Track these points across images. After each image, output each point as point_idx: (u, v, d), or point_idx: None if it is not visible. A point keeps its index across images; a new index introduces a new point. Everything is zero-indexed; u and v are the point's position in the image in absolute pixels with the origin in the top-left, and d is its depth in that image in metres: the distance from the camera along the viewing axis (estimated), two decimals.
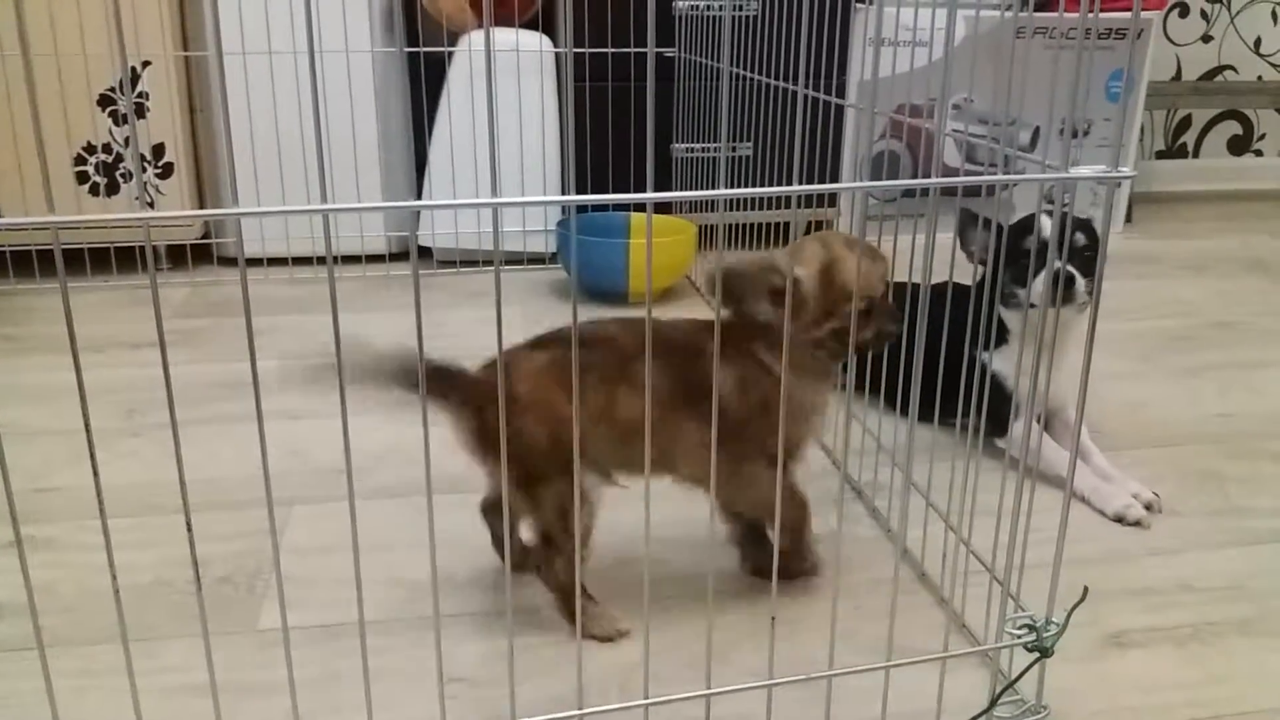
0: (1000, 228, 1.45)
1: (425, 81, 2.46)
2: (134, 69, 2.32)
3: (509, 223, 2.45)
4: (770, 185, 2.29)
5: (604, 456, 1.06)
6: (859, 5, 2.55)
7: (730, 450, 1.00)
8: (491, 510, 1.19)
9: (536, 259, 2.51)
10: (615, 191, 2.58)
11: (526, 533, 1.13)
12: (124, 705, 0.76)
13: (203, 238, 2.52)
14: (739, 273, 1.04)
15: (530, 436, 1.01)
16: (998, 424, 1.41)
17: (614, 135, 2.55)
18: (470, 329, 2.09)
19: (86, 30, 2.25)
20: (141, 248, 2.41)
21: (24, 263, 2.33)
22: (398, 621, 1.12)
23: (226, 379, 1.81)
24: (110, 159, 2.38)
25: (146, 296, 2.36)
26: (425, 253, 2.52)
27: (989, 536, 1.03)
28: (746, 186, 2.42)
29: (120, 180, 2.39)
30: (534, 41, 2.42)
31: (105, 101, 2.34)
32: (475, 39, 2.40)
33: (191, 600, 1.15)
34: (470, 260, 2.49)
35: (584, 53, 2.50)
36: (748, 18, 2.27)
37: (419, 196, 2.53)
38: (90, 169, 2.37)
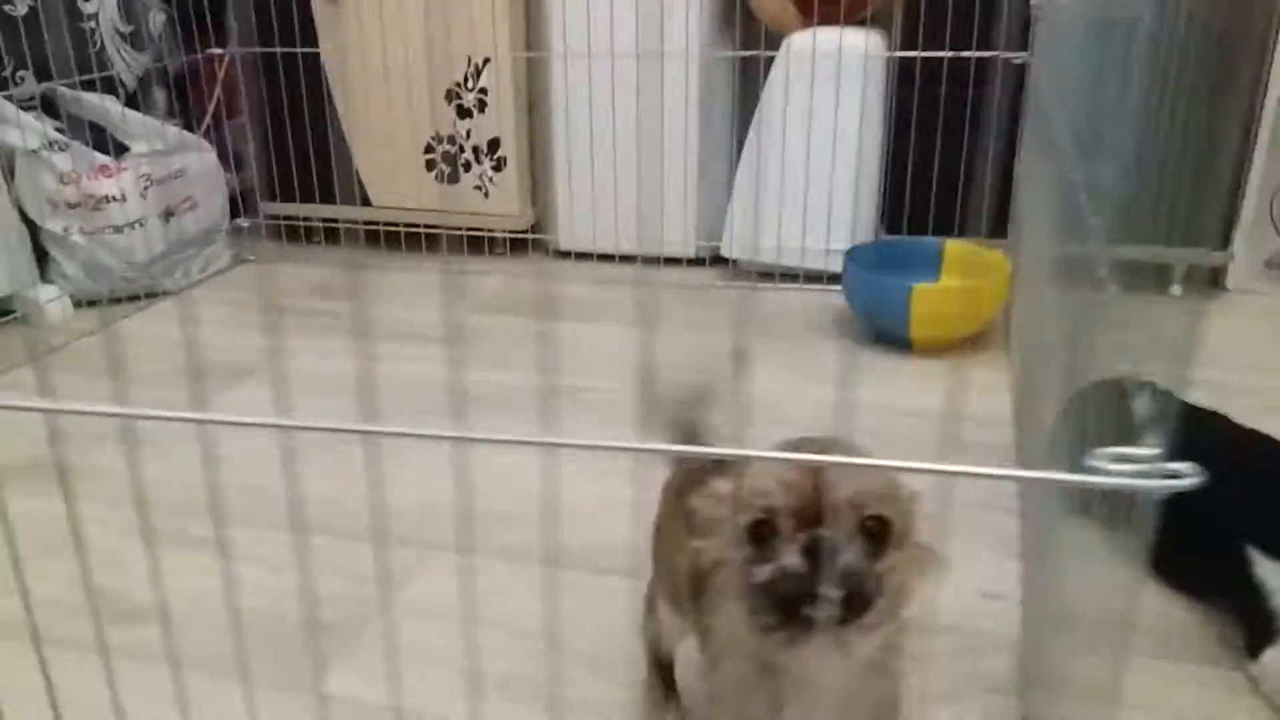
0: None
1: (742, 84, 2.34)
2: (475, 66, 2.45)
3: (808, 239, 2.28)
4: (1141, 217, 1.89)
5: None
6: None
7: None
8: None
9: (835, 278, 2.30)
10: (937, 212, 2.31)
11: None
12: None
13: (533, 228, 2.62)
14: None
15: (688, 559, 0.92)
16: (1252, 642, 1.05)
17: (945, 144, 2.26)
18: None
19: (440, 28, 2.41)
20: (471, 236, 2.57)
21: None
22: None
23: (477, 389, 1.79)
24: (454, 149, 2.54)
25: (461, 282, 2.51)
26: (727, 262, 2.42)
27: None
28: (1109, 215, 2.02)
29: (461, 170, 2.55)
30: (860, 42, 2.19)
31: (451, 96, 2.50)
32: (796, 41, 2.22)
33: (291, 641, 1.18)
34: (769, 274, 2.35)
35: (916, 56, 2.22)
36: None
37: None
38: (436, 157, 2.56)
